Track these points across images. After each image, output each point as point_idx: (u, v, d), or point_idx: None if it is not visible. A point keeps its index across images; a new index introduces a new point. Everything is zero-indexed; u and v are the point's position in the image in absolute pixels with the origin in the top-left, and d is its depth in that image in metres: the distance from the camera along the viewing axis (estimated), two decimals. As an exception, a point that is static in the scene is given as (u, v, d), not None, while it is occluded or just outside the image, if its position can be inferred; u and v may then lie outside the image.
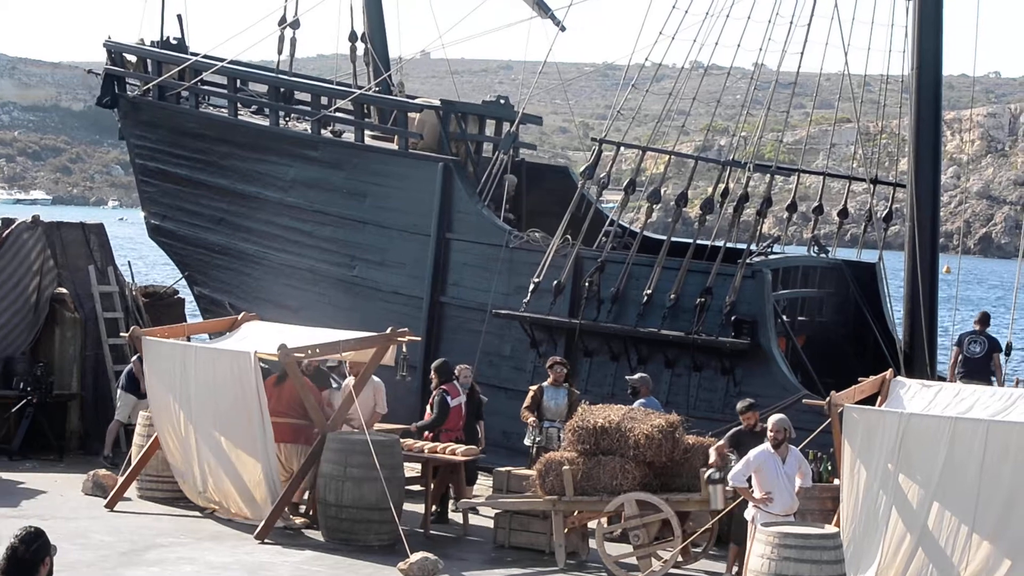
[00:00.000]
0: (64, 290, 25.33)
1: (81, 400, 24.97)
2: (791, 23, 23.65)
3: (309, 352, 19.67)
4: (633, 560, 17.90)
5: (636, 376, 21.05)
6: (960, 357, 23.68)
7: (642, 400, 20.34)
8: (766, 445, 16.70)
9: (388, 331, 20.02)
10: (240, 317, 21.92)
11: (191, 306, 29.69)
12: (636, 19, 29.21)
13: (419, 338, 21.98)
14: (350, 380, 20.57)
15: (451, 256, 25.34)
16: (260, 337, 20.54)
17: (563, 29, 28.09)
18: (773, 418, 16.92)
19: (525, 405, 21.05)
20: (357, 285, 26.46)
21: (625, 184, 24.31)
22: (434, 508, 20.28)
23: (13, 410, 23.96)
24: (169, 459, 20.57)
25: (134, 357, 23.37)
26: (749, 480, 16.71)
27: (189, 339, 22.33)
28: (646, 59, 24.36)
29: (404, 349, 21.32)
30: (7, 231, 25.19)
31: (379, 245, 26.18)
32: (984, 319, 24.12)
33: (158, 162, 29.30)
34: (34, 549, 8.82)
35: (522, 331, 24.15)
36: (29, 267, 25.05)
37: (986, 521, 15.63)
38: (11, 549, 8.81)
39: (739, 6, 23.96)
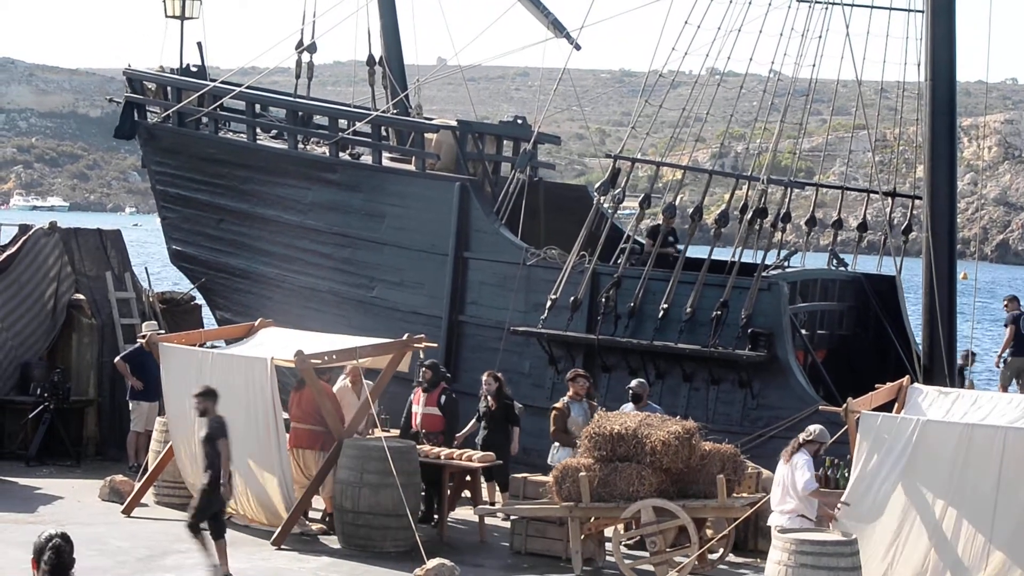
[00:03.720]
0: (81, 296, 25.41)
1: (98, 406, 25.04)
2: (803, 36, 23.66)
3: (326, 358, 19.70)
4: (650, 567, 17.89)
5: (634, 383, 20.98)
6: (1015, 336, 25.73)
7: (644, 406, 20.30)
8: (810, 456, 16.72)
9: (405, 337, 20.07)
10: (257, 323, 21.97)
11: (208, 312, 29.78)
12: (652, 26, 29.24)
13: (435, 344, 21.99)
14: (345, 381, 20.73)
15: (469, 275, 25.39)
16: (276, 343, 20.58)
17: (578, 48, 28.15)
18: (822, 429, 16.92)
19: (556, 428, 20.68)
20: (376, 306, 26.51)
21: (640, 200, 24.32)
22: (423, 510, 20.28)
23: (30, 416, 24.05)
24: (180, 466, 20.61)
25: (118, 358, 23.57)
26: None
27: (204, 345, 22.38)
28: (663, 69, 24.32)
29: (422, 356, 21.39)
30: (25, 237, 25.29)
31: (397, 266, 26.24)
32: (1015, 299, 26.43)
33: (179, 188, 29.42)
34: (71, 548, 9.09)
35: (540, 348, 24.17)
36: (46, 273, 25.14)
37: (1004, 528, 15.62)
38: (57, 548, 9.00)
39: (752, 19, 23.97)
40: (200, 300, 28.84)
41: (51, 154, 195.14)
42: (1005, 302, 26.36)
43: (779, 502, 16.64)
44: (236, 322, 28.54)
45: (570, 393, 20.92)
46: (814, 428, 16.85)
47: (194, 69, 29.49)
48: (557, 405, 20.91)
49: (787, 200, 24.75)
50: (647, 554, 17.87)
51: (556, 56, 33.77)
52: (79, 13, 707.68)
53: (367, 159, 27.24)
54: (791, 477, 16.53)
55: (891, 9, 25.11)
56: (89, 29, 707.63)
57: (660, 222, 24.39)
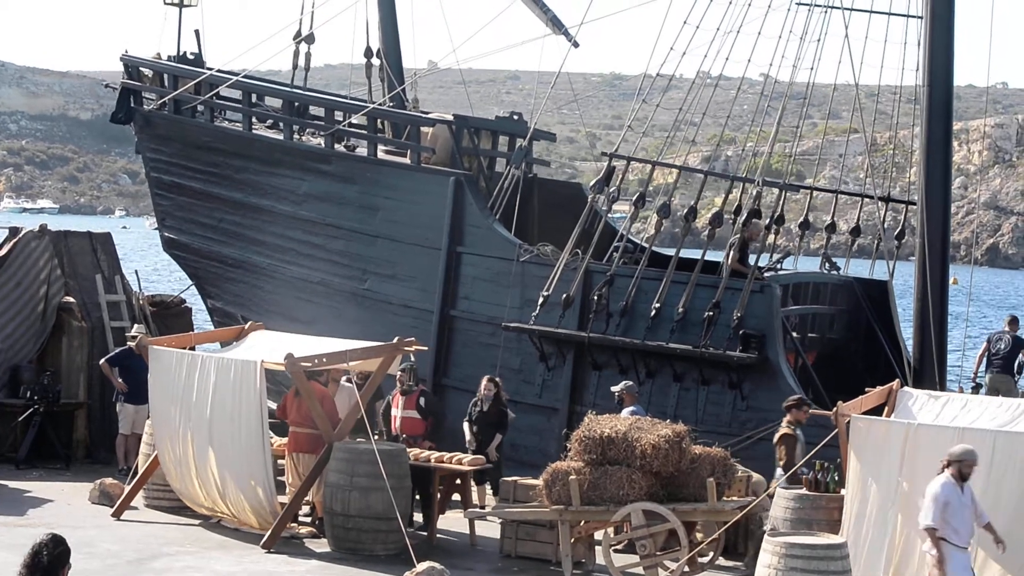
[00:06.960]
0: (71, 299, 25.35)
1: (88, 409, 24.97)
2: (801, 39, 23.69)
3: (316, 361, 19.66)
4: (640, 570, 17.87)
5: (620, 385, 20.97)
6: (988, 353, 25.24)
7: (630, 408, 20.34)
8: (948, 477, 15.15)
9: (395, 340, 20.03)
10: (247, 327, 21.92)
11: (198, 315, 29.71)
12: (644, 30, 29.29)
13: (425, 347, 21.98)
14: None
15: (462, 270, 25.39)
16: (267, 347, 20.53)
17: (576, 45, 28.11)
18: (964, 449, 15.30)
19: (788, 458, 18.79)
20: (368, 298, 26.50)
21: (635, 198, 24.32)
22: (419, 516, 20.29)
23: (20, 419, 23.98)
24: (164, 470, 20.55)
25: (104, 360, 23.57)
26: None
27: (194, 348, 22.33)
28: (657, 72, 24.33)
29: (413, 359, 21.36)
30: (15, 240, 25.23)
31: (390, 259, 26.23)
32: (1014, 321, 25.73)
33: (173, 175, 29.42)
34: (58, 553, 9.14)
35: (531, 344, 24.16)
36: (36, 276, 25.08)
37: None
38: (35, 553, 9.07)
39: (750, 21, 23.98)
40: (191, 303, 28.76)
41: (41, 156, 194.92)
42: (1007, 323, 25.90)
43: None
44: (227, 311, 28.59)
45: (788, 418, 19.52)
46: (957, 449, 15.28)
47: (191, 57, 29.48)
48: (787, 432, 19.27)
49: (781, 202, 24.76)
50: (637, 557, 17.86)
51: (550, 57, 33.77)
52: (70, 15, 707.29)
53: (362, 151, 27.21)
54: (967, 501, 15.17)
55: (890, 14, 25.12)
56: (80, 32, 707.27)
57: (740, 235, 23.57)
